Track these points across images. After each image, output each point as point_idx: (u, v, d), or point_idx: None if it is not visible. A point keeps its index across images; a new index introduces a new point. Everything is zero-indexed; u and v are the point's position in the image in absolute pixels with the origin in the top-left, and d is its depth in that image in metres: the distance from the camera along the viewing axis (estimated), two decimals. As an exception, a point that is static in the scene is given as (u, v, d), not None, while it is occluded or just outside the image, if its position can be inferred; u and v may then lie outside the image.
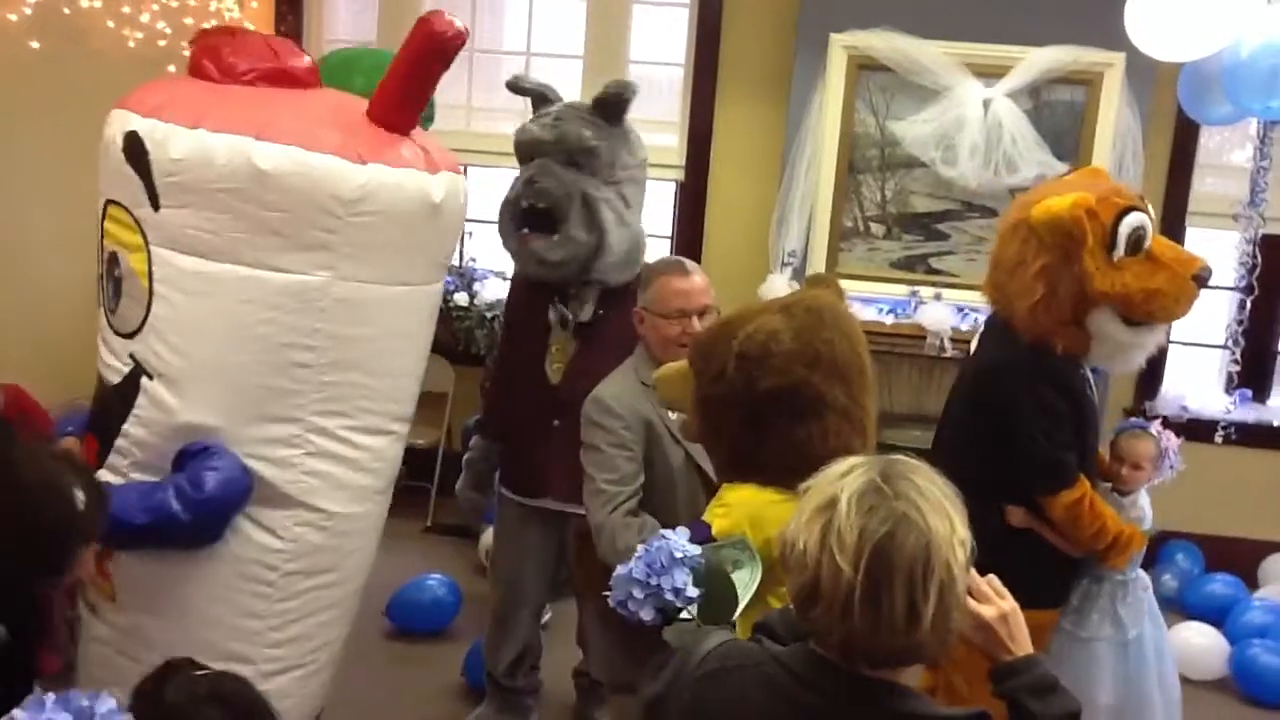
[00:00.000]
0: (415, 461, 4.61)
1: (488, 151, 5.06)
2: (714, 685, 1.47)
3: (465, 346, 4.95)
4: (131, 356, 2.19)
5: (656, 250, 4.88)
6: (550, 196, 3.03)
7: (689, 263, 2.69)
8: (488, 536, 4.12)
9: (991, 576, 1.61)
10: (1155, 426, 2.94)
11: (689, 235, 5.06)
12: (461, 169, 2.56)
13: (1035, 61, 4.37)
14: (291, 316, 2.14)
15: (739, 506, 2.03)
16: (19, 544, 1.79)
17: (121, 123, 2.19)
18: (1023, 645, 1.54)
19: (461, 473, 3.46)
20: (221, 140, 2.05)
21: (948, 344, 4.37)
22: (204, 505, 2.13)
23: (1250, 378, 5.03)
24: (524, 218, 3.09)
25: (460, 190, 2.45)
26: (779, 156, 4.70)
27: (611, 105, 3.12)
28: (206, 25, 4.55)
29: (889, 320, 4.44)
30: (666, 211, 5.14)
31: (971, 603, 1.51)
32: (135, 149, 2.07)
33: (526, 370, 3.19)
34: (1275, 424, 4.73)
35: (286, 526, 2.30)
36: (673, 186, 5.08)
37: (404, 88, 2.17)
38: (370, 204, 2.15)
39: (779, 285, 4.50)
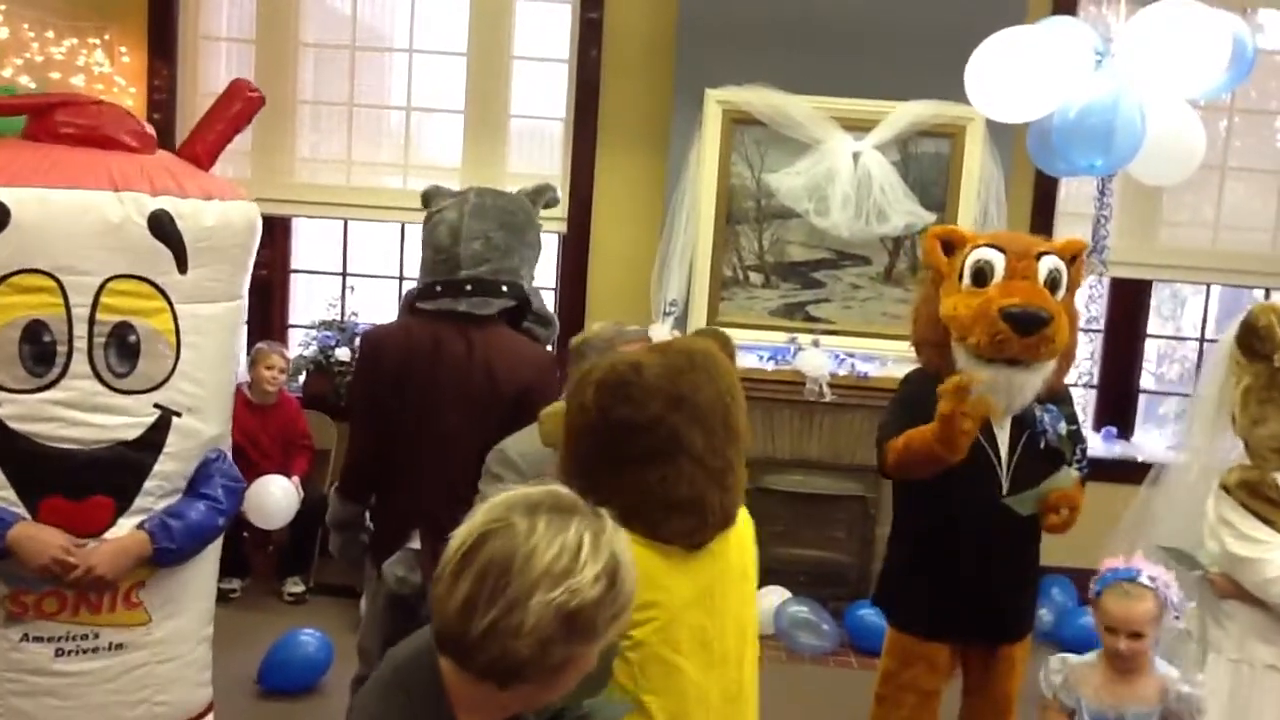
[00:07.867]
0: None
1: (367, 205, 5.05)
2: None
3: (348, 402, 4.89)
4: (156, 405, 2.43)
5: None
6: None
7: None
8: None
9: None
10: (1146, 575, 2.46)
11: (573, 286, 5.11)
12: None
13: (901, 115, 4.55)
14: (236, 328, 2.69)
15: None
16: None
17: (115, 203, 2.29)
18: None
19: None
20: (232, 206, 2.50)
21: (826, 389, 4.48)
22: (242, 492, 2.67)
23: (1115, 415, 5.27)
24: None
25: None
26: (660, 208, 4.79)
27: None
28: (75, 80, 4.50)
29: (769, 367, 4.55)
30: (550, 262, 5.18)
31: None
32: (166, 225, 2.34)
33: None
34: (1139, 459, 4.92)
35: None
36: (555, 238, 5.12)
37: (222, 138, 2.60)
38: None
39: (661, 334, 4.56)
